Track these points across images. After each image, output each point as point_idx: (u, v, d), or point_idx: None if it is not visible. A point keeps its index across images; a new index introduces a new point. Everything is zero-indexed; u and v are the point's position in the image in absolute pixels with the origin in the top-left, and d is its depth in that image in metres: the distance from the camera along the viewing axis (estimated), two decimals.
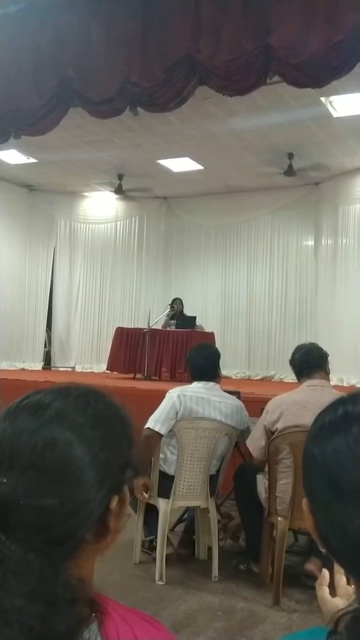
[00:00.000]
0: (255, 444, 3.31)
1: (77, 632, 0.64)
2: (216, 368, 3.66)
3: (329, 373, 3.45)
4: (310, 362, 3.34)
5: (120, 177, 9.70)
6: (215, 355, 3.70)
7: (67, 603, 0.64)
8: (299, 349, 3.46)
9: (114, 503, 0.78)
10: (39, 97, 5.32)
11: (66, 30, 5.21)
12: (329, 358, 3.45)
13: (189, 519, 3.89)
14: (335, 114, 6.79)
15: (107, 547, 0.81)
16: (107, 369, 9.30)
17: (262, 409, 3.41)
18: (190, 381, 3.65)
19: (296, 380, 3.50)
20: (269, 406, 3.31)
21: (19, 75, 5.43)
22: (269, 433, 3.23)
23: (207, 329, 9.18)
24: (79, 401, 0.80)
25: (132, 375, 8.74)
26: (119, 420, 0.83)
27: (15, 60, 5.45)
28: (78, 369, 10.91)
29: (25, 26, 5.39)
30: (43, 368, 10.75)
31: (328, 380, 3.43)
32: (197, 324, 8.98)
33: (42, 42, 5.32)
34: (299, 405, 3.15)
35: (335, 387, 3.45)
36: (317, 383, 3.28)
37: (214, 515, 3.53)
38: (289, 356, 3.49)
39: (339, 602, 1.02)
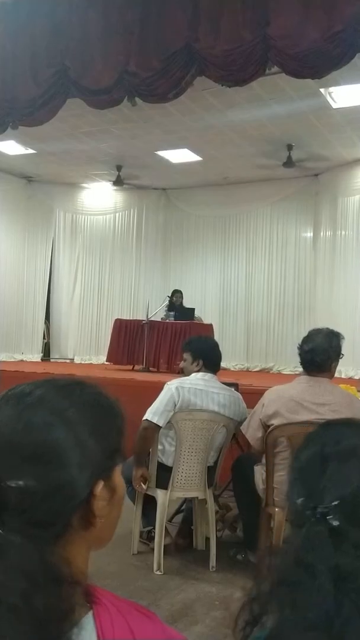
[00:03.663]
0: (252, 434, 3.30)
1: (68, 618, 0.64)
2: (219, 360, 3.70)
3: (335, 369, 3.39)
4: (313, 363, 3.25)
5: (119, 168, 9.66)
6: (218, 347, 3.75)
7: (51, 582, 0.63)
8: (310, 340, 3.27)
9: (98, 488, 0.78)
10: (36, 87, 5.29)
11: (63, 20, 5.17)
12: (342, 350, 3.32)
13: (187, 510, 3.90)
14: (334, 105, 6.76)
15: (100, 541, 0.81)
16: (106, 361, 9.31)
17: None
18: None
19: (295, 373, 3.47)
20: (265, 399, 3.27)
21: (16, 64, 5.40)
22: (265, 427, 3.23)
23: (206, 321, 9.17)
24: (63, 389, 0.82)
25: (130, 367, 8.76)
26: (107, 409, 0.85)
27: (12, 49, 5.42)
28: (77, 360, 10.91)
29: (22, 15, 5.35)
30: (42, 359, 10.76)
31: (329, 377, 3.37)
32: (196, 315, 8.97)
33: (38, 32, 5.28)
34: (295, 402, 3.14)
35: (334, 379, 3.42)
36: (315, 380, 3.27)
37: (211, 506, 3.55)
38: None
39: None
